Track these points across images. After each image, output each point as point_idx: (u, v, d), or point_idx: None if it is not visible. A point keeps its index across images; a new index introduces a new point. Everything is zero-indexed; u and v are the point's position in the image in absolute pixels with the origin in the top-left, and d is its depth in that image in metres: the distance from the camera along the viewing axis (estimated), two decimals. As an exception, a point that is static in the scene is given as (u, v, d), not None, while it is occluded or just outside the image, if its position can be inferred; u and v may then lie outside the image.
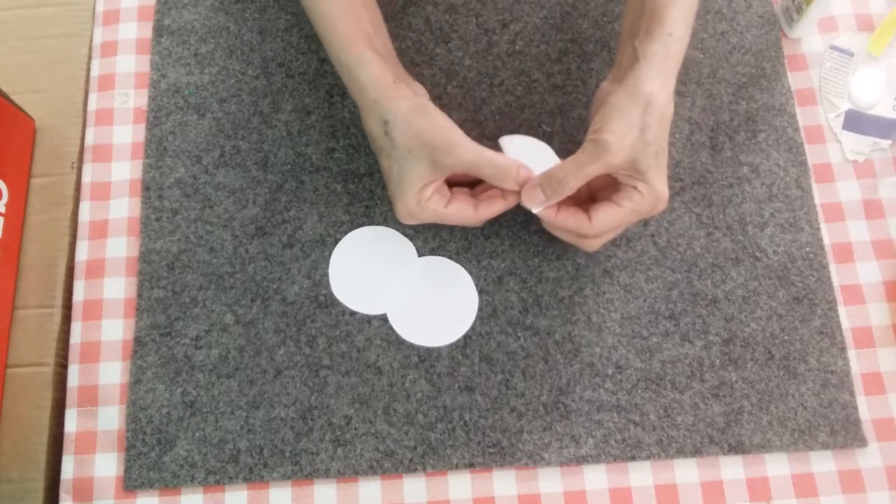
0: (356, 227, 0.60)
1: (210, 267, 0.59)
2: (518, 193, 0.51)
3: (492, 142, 0.61)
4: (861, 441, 0.54)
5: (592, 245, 0.54)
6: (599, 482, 0.54)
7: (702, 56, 0.64)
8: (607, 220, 0.50)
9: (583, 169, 0.48)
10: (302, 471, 0.54)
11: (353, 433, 0.55)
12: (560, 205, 0.51)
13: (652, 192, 0.49)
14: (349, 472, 0.54)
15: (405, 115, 0.50)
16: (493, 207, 0.53)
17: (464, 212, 0.52)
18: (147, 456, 0.55)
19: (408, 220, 0.53)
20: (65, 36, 0.67)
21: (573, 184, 0.49)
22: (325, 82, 0.64)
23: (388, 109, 0.50)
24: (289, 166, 0.61)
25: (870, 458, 0.54)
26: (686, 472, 0.54)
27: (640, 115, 0.48)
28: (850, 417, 0.54)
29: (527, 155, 0.53)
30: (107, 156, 0.63)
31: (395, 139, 0.50)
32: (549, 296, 0.58)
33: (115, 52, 0.66)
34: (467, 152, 0.49)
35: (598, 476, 0.54)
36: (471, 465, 0.54)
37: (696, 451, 0.54)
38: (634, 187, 0.49)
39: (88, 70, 0.66)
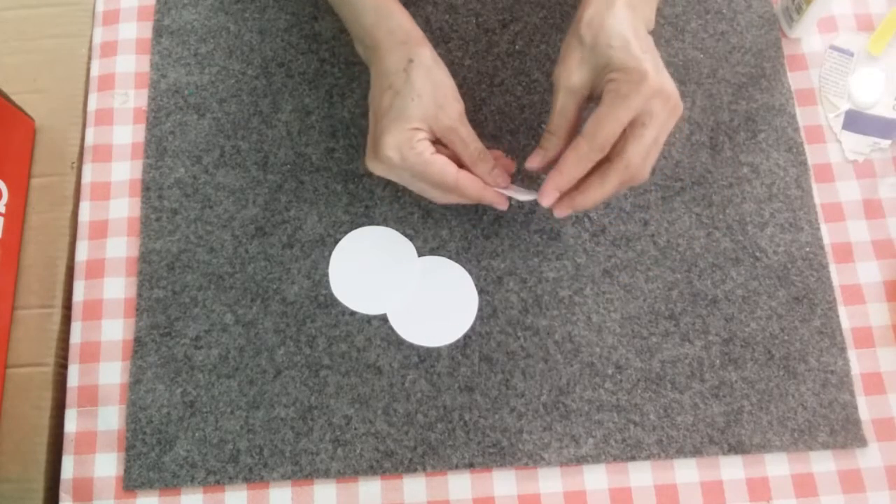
0: (356, 227, 0.60)
1: (210, 267, 0.59)
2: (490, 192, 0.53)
3: (492, 141, 0.61)
4: (861, 441, 0.54)
5: (642, 170, 0.49)
6: (599, 482, 0.54)
7: (702, 56, 0.64)
8: (596, 122, 0.47)
9: (554, 110, 0.51)
10: (302, 471, 0.54)
11: (353, 433, 0.55)
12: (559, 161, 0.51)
13: (621, 71, 0.47)
14: (349, 472, 0.54)
15: (429, 61, 0.52)
16: (468, 185, 0.52)
17: (446, 168, 0.52)
18: (147, 456, 0.55)
19: (389, 158, 0.51)
20: (65, 36, 0.67)
21: (562, 122, 0.51)
22: (325, 82, 0.64)
23: (416, 52, 0.52)
24: (289, 166, 0.61)
25: (870, 458, 0.54)
26: (686, 472, 0.54)
27: (572, 34, 0.50)
28: (850, 417, 0.54)
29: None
30: (107, 156, 0.63)
31: (413, 79, 0.51)
32: (549, 296, 0.58)
33: (115, 52, 0.66)
34: (461, 117, 0.53)
35: (598, 476, 0.54)
36: (471, 465, 0.54)
37: (696, 451, 0.54)
38: (608, 80, 0.48)
39: (88, 70, 0.66)
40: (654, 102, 0.47)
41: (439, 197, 0.54)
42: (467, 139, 0.53)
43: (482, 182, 0.53)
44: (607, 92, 0.48)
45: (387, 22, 0.54)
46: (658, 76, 0.47)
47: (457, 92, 0.53)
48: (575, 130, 0.51)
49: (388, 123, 0.51)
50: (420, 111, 0.51)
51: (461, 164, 0.53)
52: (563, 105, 0.50)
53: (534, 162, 0.52)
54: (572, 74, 0.49)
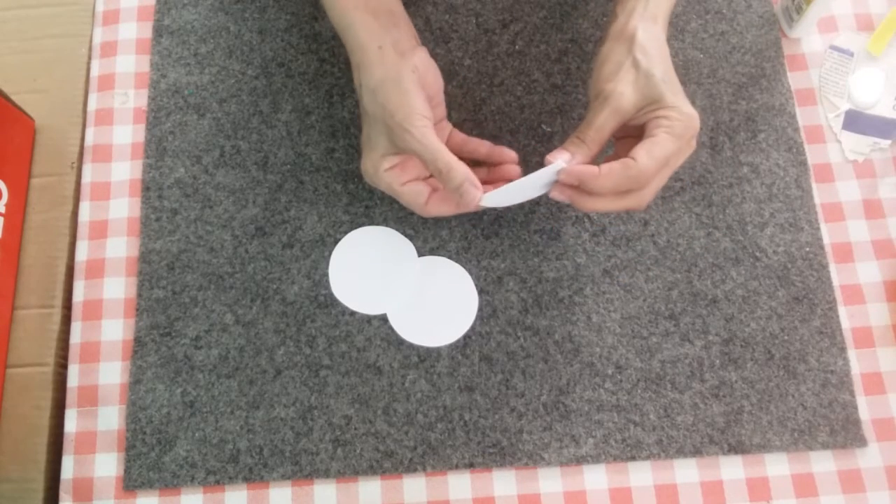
0: (356, 227, 0.60)
1: (210, 267, 0.59)
2: (464, 201, 0.50)
3: (492, 141, 0.61)
4: (861, 441, 0.54)
5: (645, 197, 0.50)
6: (599, 482, 0.54)
7: (702, 56, 0.64)
8: (651, 152, 0.47)
9: (593, 122, 0.49)
10: (302, 471, 0.54)
11: (353, 433, 0.55)
12: (602, 165, 0.49)
13: (675, 111, 0.48)
14: (349, 472, 0.54)
15: (376, 84, 0.50)
16: (441, 207, 0.53)
17: (416, 198, 0.52)
18: (147, 456, 0.55)
19: (367, 179, 0.53)
20: (65, 36, 0.67)
21: (592, 136, 0.49)
22: (325, 82, 0.64)
23: (364, 75, 0.51)
24: (289, 166, 0.61)
25: (870, 458, 0.54)
26: (686, 472, 0.54)
27: (626, 53, 0.49)
28: (849, 417, 0.55)
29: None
30: (107, 156, 0.63)
31: (365, 105, 0.51)
32: (549, 296, 0.58)
33: (115, 52, 0.66)
34: (419, 140, 0.49)
35: (598, 476, 0.54)
36: (471, 465, 0.54)
37: (696, 451, 0.54)
38: (659, 116, 0.48)
39: (88, 70, 0.66)
40: (692, 143, 0.49)
41: (420, 209, 0.53)
42: (428, 157, 0.49)
43: (454, 205, 0.52)
44: (658, 126, 0.48)
45: (347, 39, 0.52)
46: (690, 106, 0.49)
47: (416, 100, 0.49)
48: (605, 146, 0.50)
49: (362, 148, 0.53)
50: (380, 139, 0.51)
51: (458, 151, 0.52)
52: (605, 122, 0.48)
53: (556, 160, 0.49)
54: (625, 97, 0.48)
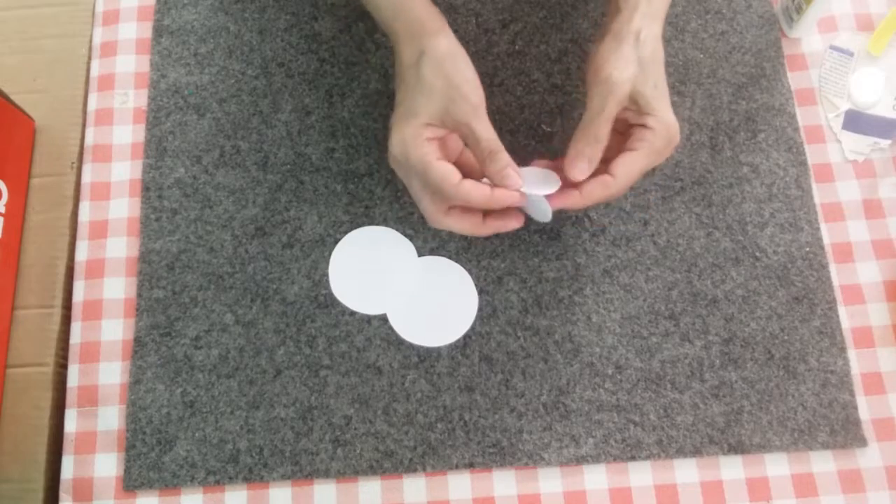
0: (356, 227, 0.60)
1: (210, 267, 0.59)
2: (505, 183, 0.50)
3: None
4: (861, 441, 0.54)
5: (618, 195, 0.52)
6: (599, 482, 0.54)
7: (702, 56, 0.64)
8: (628, 168, 0.50)
9: (601, 113, 0.49)
10: (302, 471, 0.54)
11: (353, 433, 0.55)
12: (582, 185, 0.51)
13: (662, 124, 0.49)
14: (349, 472, 0.54)
15: (444, 54, 0.50)
16: (477, 189, 0.50)
17: (447, 175, 0.49)
18: (147, 456, 0.55)
19: (395, 152, 0.51)
20: (65, 36, 0.67)
21: (604, 131, 0.49)
22: (325, 82, 0.64)
23: (429, 44, 0.50)
24: (289, 166, 0.61)
25: (870, 458, 0.54)
26: (686, 472, 0.54)
27: (632, 49, 0.49)
28: (850, 417, 0.54)
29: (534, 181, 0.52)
30: (107, 156, 0.63)
31: (423, 74, 0.50)
32: (549, 296, 0.58)
33: (115, 52, 0.66)
34: (477, 116, 0.49)
35: (598, 476, 0.54)
36: (471, 465, 0.54)
37: (696, 451, 0.54)
38: (643, 124, 0.50)
39: (88, 70, 0.66)
40: (671, 149, 0.51)
41: (433, 214, 0.51)
42: (480, 134, 0.49)
43: (489, 190, 0.50)
44: (642, 140, 0.49)
45: (404, 14, 0.52)
46: (674, 119, 0.50)
47: (475, 83, 0.50)
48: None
49: (397, 119, 0.51)
50: (430, 107, 0.50)
51: (469, 173, 0.51)
52: (612, 111, 0.49)
53: (581, 172, 0.50)
54: (625, 89, 0.49)
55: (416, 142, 0.49)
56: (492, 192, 0.49)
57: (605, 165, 0.50)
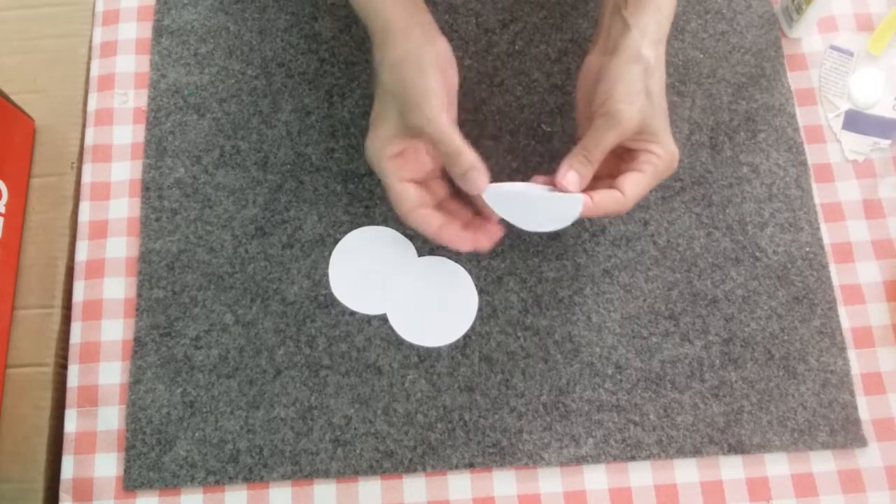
0: (356, 227, 0.60)
1: (210, 267, 0.59)
2: (468, 187, 0.49)
3: (492, 141, 0.61)
4: (861, 441, 0.54)
5: (624, 212, 0.52)
6: (599, 482, 0.54)
7: (702, 56, 0.64)
8: (636, 188, 0.50)
9: (601, 142, 0.49)
10: (302, 471, 0.54)
11: (353, 433, 0.55)
12: (593, 193, 0.51)
13: (667, 152, 0.50)
14: (349, 472, 0.54)
15: (398, 59, 0.49)
16: (428, 221, 0.50)
17: (403, 200, 0.49)
18: (147, 456, 0.55)
19: (367, 157, 0.51)
20: (65, 36, 0.67)
21: (600, 158, 0.50)
22: (325, 82, 0.64)
23: (389, 50, 0.49)
24: (289, 166, 0.61)
25: (870, 458, 0.54)
26: (686, 472, 0.54)
27: (642, 81, 0.49)
28: (849, 417, 0.54)
29: (516, 201, 0.51)
30: (107, 156, 0.63)
31: (383, 79, 0.50)
32: (549, 296, 0.58)
33: (115, 52, 0.66)
34: (430, 120, 0.47)
35: (598, 476, 0.54)
36: (471, 465, 0.54)
37: (696, 451, 0.54)
38: (649, 150, 0.50)
39: (88, 70, 0.66)
40: (671, 172, 0.52)
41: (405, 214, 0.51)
42: (438, 138, 0.48)
43: (440, 221, 0.50)
44: (648, 164, 0.50)
45: (374, 13, 0.51)
46: (675, 146, 0.51)
47: (434, 83, 0.48)
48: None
49: (371, 124, 0.51)
50: (391, 117, 0.49)
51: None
52: (611, 142, 0.49)
53: (570, 184, 0.50)
54: (633, 121, 0.49)
55: (380, 156, 0.50)
56: (439, 227, 0.50)
57: (601, 181, 0.51)
